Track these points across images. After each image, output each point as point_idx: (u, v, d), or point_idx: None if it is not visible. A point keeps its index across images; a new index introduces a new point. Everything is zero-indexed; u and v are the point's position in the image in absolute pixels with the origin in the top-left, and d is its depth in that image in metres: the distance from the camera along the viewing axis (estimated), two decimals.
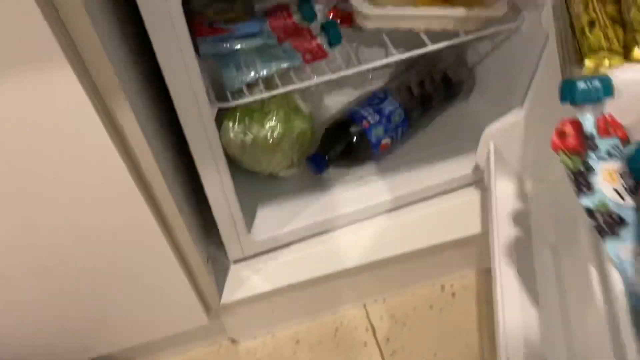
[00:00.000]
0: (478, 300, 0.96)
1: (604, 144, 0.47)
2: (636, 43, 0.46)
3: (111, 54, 0.49)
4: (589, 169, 0.45)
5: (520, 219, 0.76)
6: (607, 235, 0.44)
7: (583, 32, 0.48)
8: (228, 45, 0.70)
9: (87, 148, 0.52)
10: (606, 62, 0.47)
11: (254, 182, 0.88)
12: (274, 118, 0.81)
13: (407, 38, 0.75)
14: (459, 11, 0.71)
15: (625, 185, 0.46)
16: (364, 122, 0.85)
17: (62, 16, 0.43)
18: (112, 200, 0.58)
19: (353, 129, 0.85)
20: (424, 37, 0.75)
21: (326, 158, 0.85)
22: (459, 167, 0.89)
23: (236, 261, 0.87)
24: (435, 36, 0.75)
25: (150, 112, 0.63)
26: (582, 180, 0.45)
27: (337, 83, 0.97)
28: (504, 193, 0.79)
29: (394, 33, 0.75)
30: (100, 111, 0.50)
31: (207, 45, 0.70)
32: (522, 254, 0.71)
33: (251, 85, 0.71)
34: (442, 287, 0.98)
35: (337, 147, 0.86)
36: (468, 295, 0.96)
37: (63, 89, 0.46)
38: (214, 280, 0.83)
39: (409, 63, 0.96)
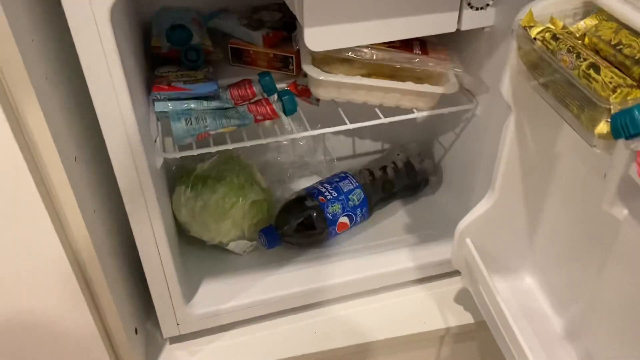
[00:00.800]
0: None
1: None
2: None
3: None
4: None
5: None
6: None
7: (588, 76, 0.46)
8: (182, 102, 0.73)
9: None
10: (630, 97, 0.44)
11: (203, 253, 0.84)
12: (227, 184, 0.79)
13: (366, 115, 0.77)
14: (408, 84, 0.74)
15: None
16: (321, 197, 0.83)
17: None
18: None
19: (309, 203, 0.83)
20: (378, 112, 0.77)
21: (280, 233, 0.82)
22: (429, 255, 0.84)
23: (172, 341, 0.79)
24: (390, 112, 0.77)
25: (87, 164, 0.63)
26: None
27: (305, 169, 0.98)
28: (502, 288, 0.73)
29: (351, 110, 0.78)
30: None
31: (162, 100, 0.72)
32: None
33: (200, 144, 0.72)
34: None
35: (292, 222, 0.83)
36: None
37: None
38: (144, 357, 0.75)
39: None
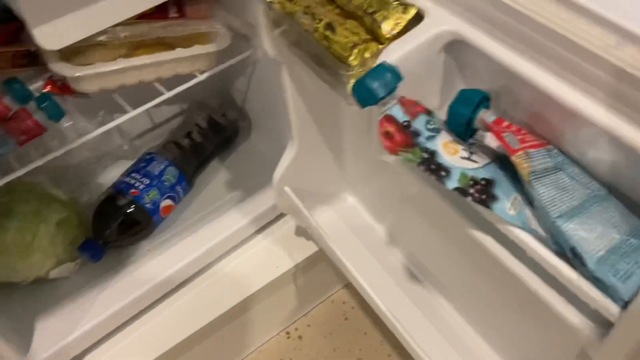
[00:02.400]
0: (325, 332, 0.91)
1: (420, 124, 0.44)
2: (375, 22, 0.45)
3: None
4: (431, 152, 0.43)
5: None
6: (489, 202, 0.41)
7: (326, 37, 0.47)
8: None
9: None
10: (367, 54, 0.45)
11: (20, 295, 0.75)
12: (17, 217, 0.70)
13: (143, 91, 0.71)
14: (178, 52, 0.68)
15: (465, 148, 0.44)
16: (132, 191, 0.78)
17: None
18: None
19: (121, 202, 0.77)
20: (159, 87, 0.72)
21: (100, 242, 0.76)
22: (260, 204, 0.85)
23: None
24: (171, 82, 0.72)
25: None
26: (433, 167, 0.43)
27: (108, 159, 0.90)
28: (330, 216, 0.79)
29: (129, 91, 0.70)
30: None
31: None
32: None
33: None
34: (287, 334, 0.92)
35: (111, 226, 0.77)
36: (314, 331, 0.91)
37: None
38: None
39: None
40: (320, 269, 0.91)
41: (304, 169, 0.74)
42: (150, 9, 0.65)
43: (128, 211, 0.77)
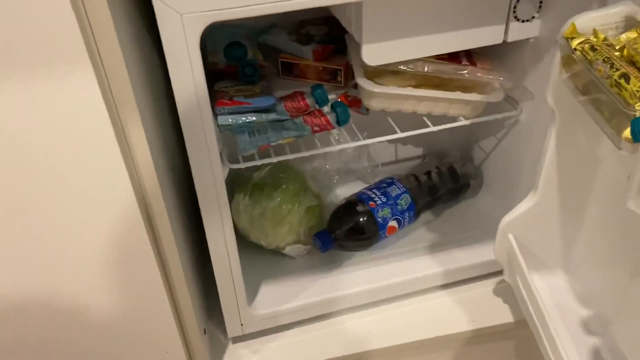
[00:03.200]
0: None
1: None
2: None
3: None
4: None
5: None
6: None
7: (618, 84, 0.51)
8: (244, 115, 0.77)
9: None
10: None
11: (261, 257, 0.88)
12: (283, 192, 0.84)
13: (412, 124, 0.81)
14: (456, 94, 0.78)
15: None
16: (371, 203, 0.87)
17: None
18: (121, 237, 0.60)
19: (360, 208, 0.87)
20: (426, 120, 0.81)
21: (333, 236, 0.86)
22: (472, 256, 0.88)
23: (235, 340, 0.83)
24: (437, 120, 0.81)
25: (168, 169, 0.68)
26: None
27: (350, 175, 1.02)
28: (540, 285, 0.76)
29: (398, 118, 0.82)
30: (115, 123, 0.53)
31: (224, 114, 0.77)
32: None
33: (261, 155, 0.77)
34: None
35: (344, 226, 0.87)
36: None
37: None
38: (210, 357, 0.79)
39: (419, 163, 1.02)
40: (506, 346, 0.88)
41: (534, 225, 0.75)
42: (446, 53, 0.76)
43: (362, 219, 0.87)
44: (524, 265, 0.74)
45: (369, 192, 0.89)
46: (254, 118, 0.78)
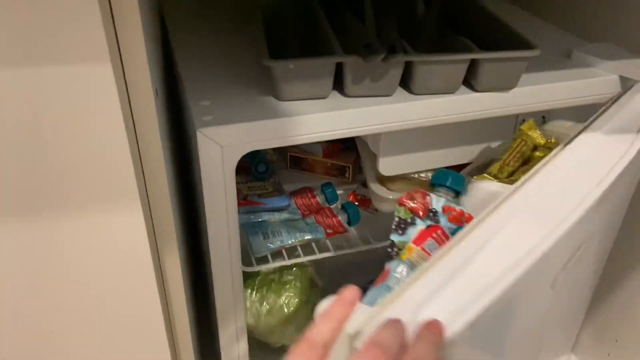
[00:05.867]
0: None
1: (444, 220, 0.61)
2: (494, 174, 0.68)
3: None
4: (414, 223, 0.60)
5: None
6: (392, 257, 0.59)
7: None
8: (258, 215, 0.78)
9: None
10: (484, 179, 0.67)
11: (266, 354, 0.87)
12: (291, 289, 0.84)
13: None
14: None
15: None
16: None
17: None
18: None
19: None
20: None
21: None
22: None
23: None
24: None
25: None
26: (402, 225, 0.60)
27: (354, 264, 1.03)
28: None
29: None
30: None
31: (239, 215, 0.77)
32: None
33: (274, 255, 0.77)
34: None
35: None
36: None
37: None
38: None
39: None
40: None
41: None
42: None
43: None
44: None
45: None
46: (266, 217, 0.79)
